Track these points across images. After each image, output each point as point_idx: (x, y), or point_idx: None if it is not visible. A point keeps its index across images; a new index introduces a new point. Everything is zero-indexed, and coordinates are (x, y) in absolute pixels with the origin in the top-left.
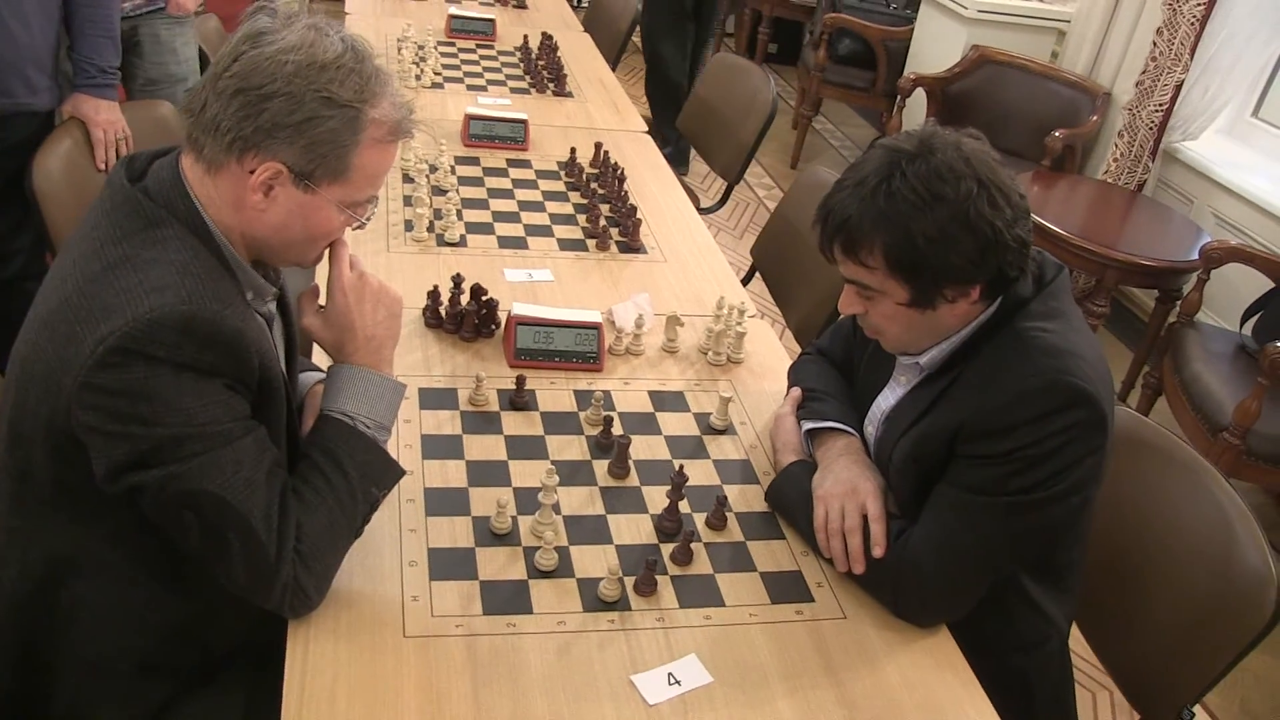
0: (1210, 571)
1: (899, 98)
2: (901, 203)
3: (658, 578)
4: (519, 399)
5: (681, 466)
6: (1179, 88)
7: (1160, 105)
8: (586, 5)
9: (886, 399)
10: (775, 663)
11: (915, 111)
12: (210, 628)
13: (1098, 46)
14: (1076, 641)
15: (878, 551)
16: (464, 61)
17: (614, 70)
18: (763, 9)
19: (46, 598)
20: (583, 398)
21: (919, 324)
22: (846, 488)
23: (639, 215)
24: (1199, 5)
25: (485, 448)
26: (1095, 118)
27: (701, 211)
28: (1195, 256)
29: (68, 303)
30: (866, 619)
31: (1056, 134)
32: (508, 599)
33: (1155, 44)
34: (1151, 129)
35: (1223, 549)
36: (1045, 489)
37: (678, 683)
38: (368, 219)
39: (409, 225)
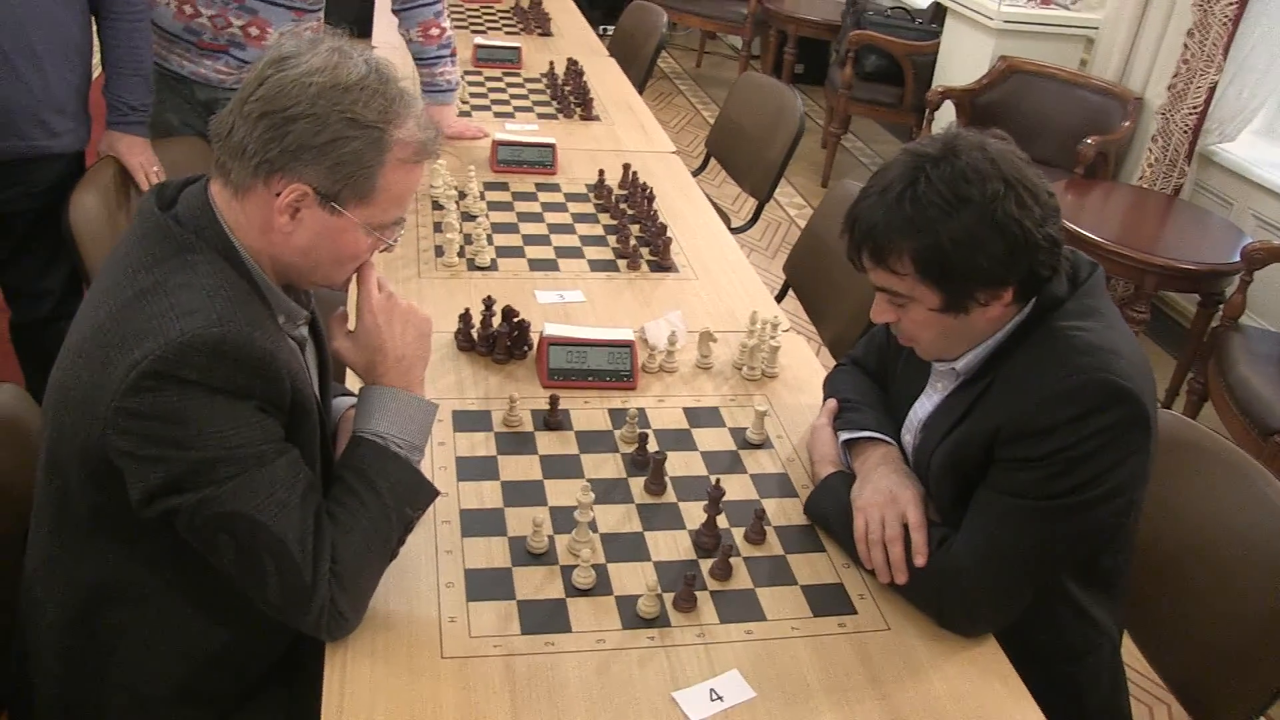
0: (1270, 576)
1: (927, 111)
2: (928, 207)
3: (697, 593)
4: (553, 419)
5: (718, 481)
6: (1213, 89)
7: (1194, 108)
8: (611, 31)
9: (923, 406)
10: (819, 676)
11: (944, 125)
12: (248, 653)
13: (1127, 51)
14: (1130, 652)
15: (920, 560)
16: (491, 89)
17: (640, 94)
18: (788, 29)
19: (88, 626)
20: (617, 416)
21: (952, 329)
22: (886, 497)
23: (669, 234)
24: (1231, 5)
25: (520, 468)
26: (1127, 123)
27: (733, 231)
28: (1237, 259)
29: (100, 329)
30: (911, 630)
31: (1089, 141)
32: (546, 618)
33: (1187, 46)
34: (1186, 132)
35: None
36: (1088, 491)
37: (720, 698)
38: (395, 241)
39: (439, 251)
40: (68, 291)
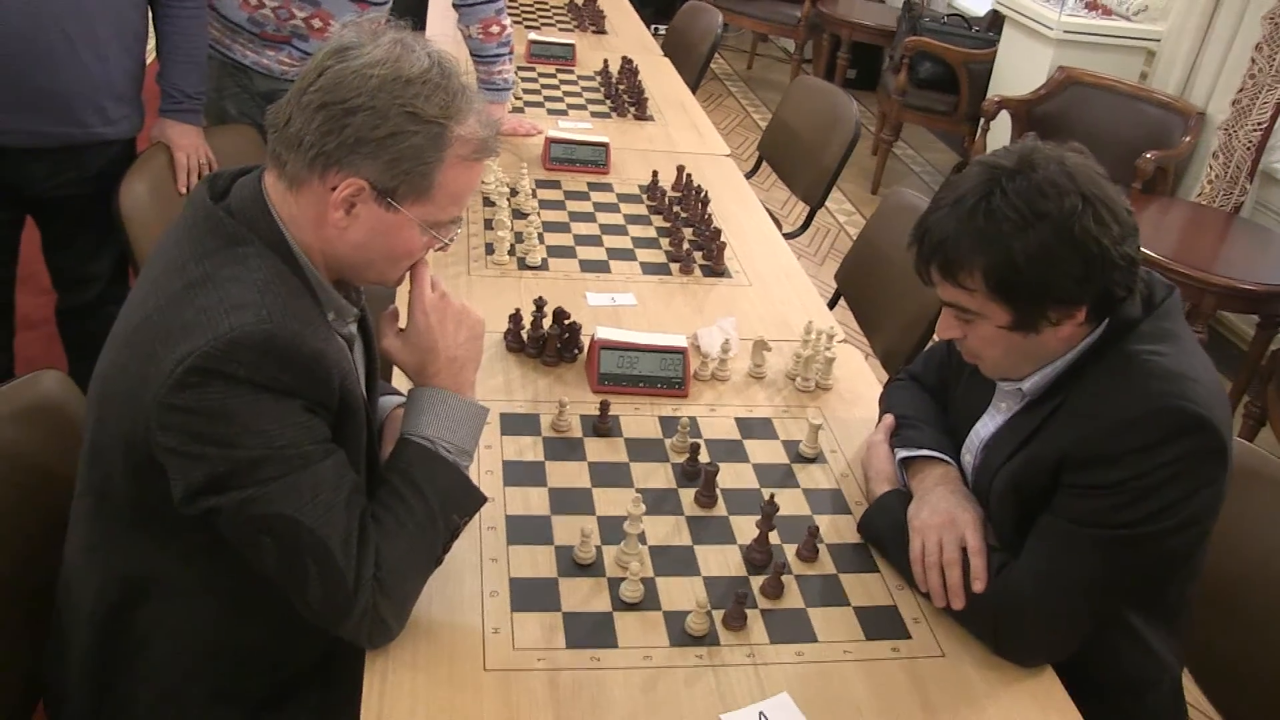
0: None
1: (982, 120)
2: (1002, 221)
3: (747, 611)
4: (602, 425)
5: (772, 496)
6: None
7: (1259, 124)
8: (665, 30)
9: (986, 426)
10: (871, 703)
11: (999, 135)
12: (283, 653)
13: (1190, 65)
14: (1187, 687)
15: (978, 586)
16: (544, 86)
17: (694, 94)
18: (841, 34)
19: (122, 620)
20: (668, 424)
21: (1021, 348)
22: (944, 519)
23: (723, 238)
24: None
25: (568, 474)
26: (1188, 138)
27: (783, 237)
28: None
29: (148, 321)
30: (966, 658)
31: (1148, 155)
32: (591, 631)
33: (1254, 60)
34: (1249, 149)
35: None
36: (1157, 522)
37: None
38: (451, 240)
39: (490, 248)
40: (115, 278)
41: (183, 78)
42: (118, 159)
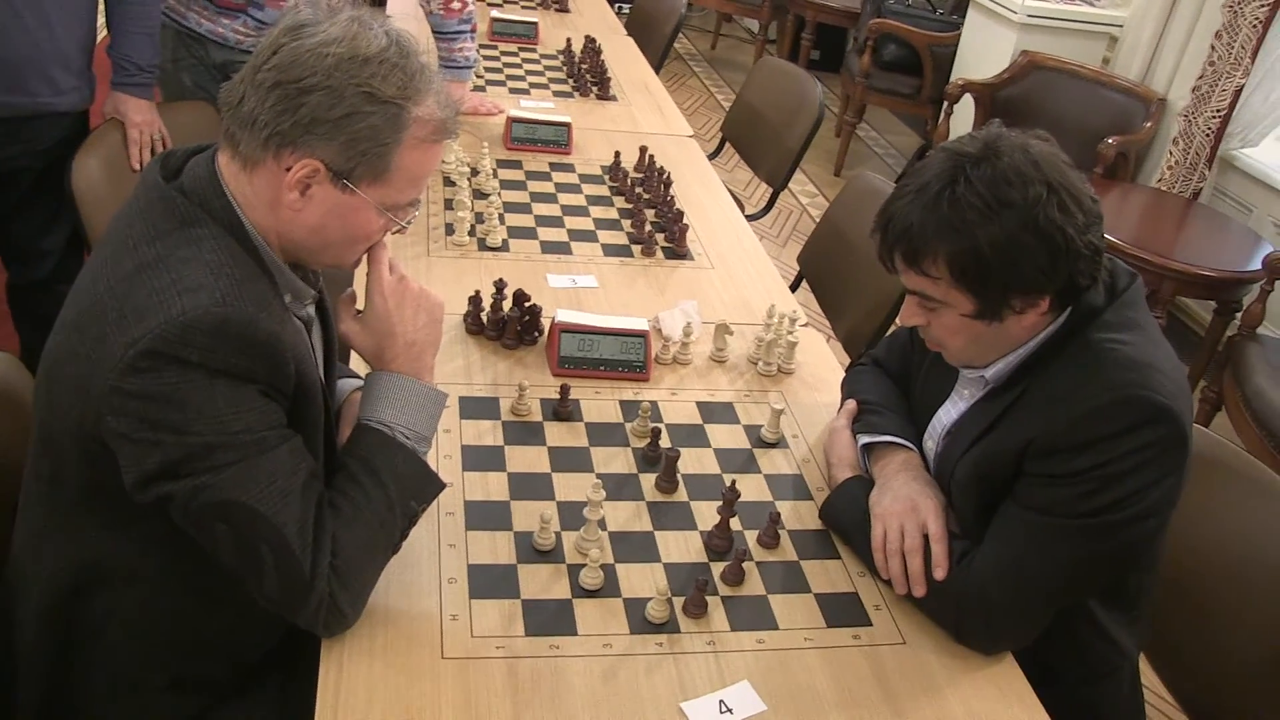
0: None
1: (946, 104)
2: (967, 209)
3: (708, 598)
4: (563, 409)
5: (734, 481)
6: (1238, 93)
7: (1218, 111)
8: (629, 9)
9: (948, 413)
10: (832, 690)
11: (962, 118)
12: (242, 640)
13: (1152, 51)
14: (1145, 672)
15: (939, 574)
16: (506, 64)
17: (658, 74)
18: (806, 15)
19: (75, 608)
20: (629, 408)
21: (985, 336)
22: (906, 505)
23: (685, 220)
24: (1262, 7)
25: (528, 459)
26: (1149, 124)
27: (746, 219)
28: (1258, 266)
29: (99, 303)
30: (927, 645)
31: (1109, 141)
32: (551, 619)
33: (1214, 48)
34: (1208, 135)
35: None
36: (1120, 511)
37: (730, 710)
38: (409, 223)
39: (450, 229)
40: (68, 254)
41: (135, 49)
42: (70, 133)
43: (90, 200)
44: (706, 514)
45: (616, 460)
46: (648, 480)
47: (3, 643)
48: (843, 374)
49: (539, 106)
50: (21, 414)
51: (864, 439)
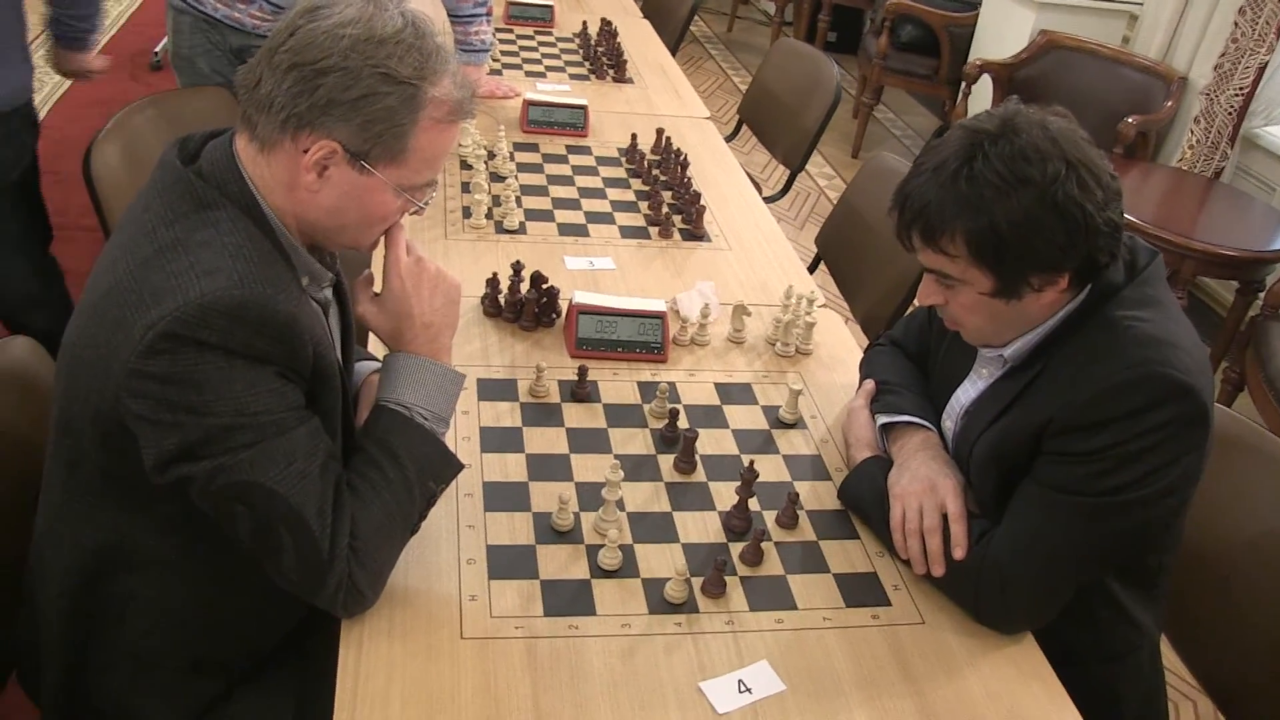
0: None
1: (963, 85)
2: (984, 186)
3: (726, 579)
4: (581, 390)
5: (752, 462)
6: (1262, 70)
7: (1241, 89)
8: None
9: (966, 392)
10: (851, 670)
11: (980, 99)
12: (260, 623)
13: (1172, 29)
14: (1166, 652)
15: (958, 553)
16: (522, 48)
17: (674, 56)
18: None
19: (96, 591)
20: (647, 389)
21: (1003, 314)
22: (925, 485)
23: (703, 202)
24: None
25: (546, 440)
26: (1170, 103)
27: (763, 201)
28: None
29: (118, 286)
30: (946, 625)
31: (1129, 120)
32: (570, 599)
33: (1237, 24)
34: (1231, 114)
35: None
36: (1139, 489)
37: (748, 690)
38: (426, 204)
39: (467, 212)
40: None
41: (72, 7)
42: (15, 133)
43: (108, 187)
44: (725, 494)
45: (635, 441)
46: (666, 461)
47: (28, 624)
48: (861, 355)
49: (555, 89)
50: (43, 397)
51: (882, 419)
